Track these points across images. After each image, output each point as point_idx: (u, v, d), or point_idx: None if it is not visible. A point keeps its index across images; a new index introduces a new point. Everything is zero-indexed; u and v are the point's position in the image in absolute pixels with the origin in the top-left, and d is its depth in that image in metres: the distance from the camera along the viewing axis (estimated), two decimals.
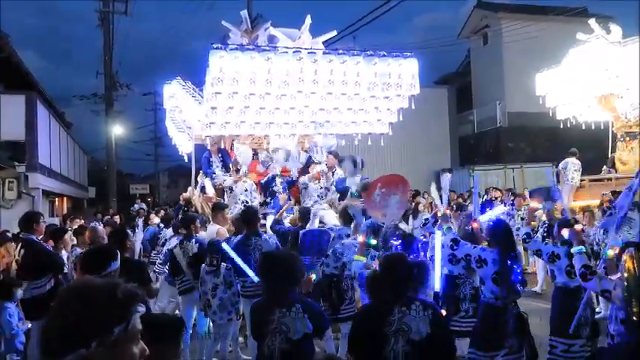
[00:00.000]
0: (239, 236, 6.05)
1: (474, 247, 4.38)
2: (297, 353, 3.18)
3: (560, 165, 12.30)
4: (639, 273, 3.22)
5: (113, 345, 1.26)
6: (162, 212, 12.22)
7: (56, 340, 1.24)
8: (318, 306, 3.54)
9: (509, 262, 4.15)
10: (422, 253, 5.93)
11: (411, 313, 2.98)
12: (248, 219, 5.99)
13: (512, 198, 11.50)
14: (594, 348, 4.43)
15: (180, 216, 8.53)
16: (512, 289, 4.19)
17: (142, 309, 1.33)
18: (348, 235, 5.80)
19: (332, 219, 7.27)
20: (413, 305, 3.01)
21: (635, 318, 3.23)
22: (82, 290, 1.30)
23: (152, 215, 11.45)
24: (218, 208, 7.17)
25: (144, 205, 16.74)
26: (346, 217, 6.13)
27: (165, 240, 7.62)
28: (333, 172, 8.59)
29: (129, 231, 5.72)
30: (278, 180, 8.40)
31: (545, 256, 4.54)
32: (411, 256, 5.40)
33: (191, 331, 6.12)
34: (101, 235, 6.40)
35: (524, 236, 4.77)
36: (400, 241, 5.59)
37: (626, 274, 3.33)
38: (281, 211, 7.37)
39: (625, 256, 3.38)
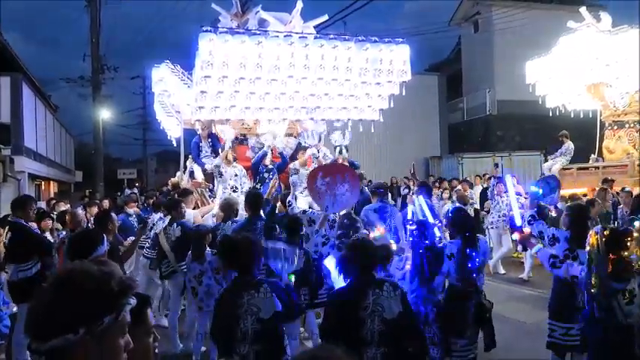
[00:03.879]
0: (241, 220, 5.98)
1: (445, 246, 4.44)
2: (270, 333, 3.25)
3: (568, 150, 12.23)
4: (601, 249, 3.49)
5: (100, 334, 1.24)
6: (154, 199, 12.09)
7: (43, 322, 1.22)
8: (284, 285, 3.57)
9: (467, 251, 4.19)
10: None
11: (383, 294, 3.14)
12: (253, 202, 5.85)
13: (496, 182, 11.53)
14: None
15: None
16: (469, 276, 4.21)
17: (132, 301, 1.32)
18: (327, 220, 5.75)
19: None
20: (384, 286, 3.18)
21: (593, 290, 3.51)
22: (76, 276, 1.28)
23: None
24: (188, 194, 7.25)
25: (136, 191, 16.58)
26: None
27: (153, 224, 7.58)
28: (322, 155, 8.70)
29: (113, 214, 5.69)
30: (268, 159, 8.27)
31: (547, 238, 4.57)
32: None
33: (179, 314, 6.14)
34: (81, 219, 6.38)
35: (530, 218, 4.81)
36: (416, 226, 5.55)
37: (588, 248, 3.62)
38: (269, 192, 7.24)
39: (591, 232, 3.65)
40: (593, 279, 3.54)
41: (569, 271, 4.11)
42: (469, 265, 4.17)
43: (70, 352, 1.22)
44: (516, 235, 4.90)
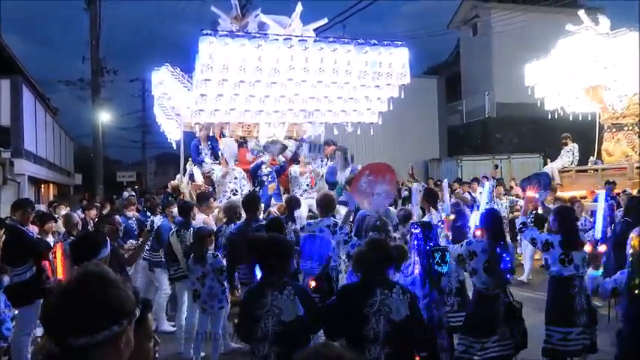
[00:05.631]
0: (238, 223, 5.98)
1: (462, 246, 4.45)
2: (291, 336, 3.21)
3: (566, 152, 12.27)
4: None
5: (114, 337, 1.30)
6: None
7: (61, 323, 1.27)
8: (309, 290, 3.55)
9: (497, 250, 4.20)
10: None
11: (392, 296, 3.22)
12: (249, 205, 5.86)
13: (495, 184, 11.52)
14: (593, 336, 4.49)
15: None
16: (501, 277, 4.23)
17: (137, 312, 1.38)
18: (328, 226, 5.55)
19: None
20: (394, 289, 3.26)
21: (636, 291, 3.55)
22: (102, 279, 1.33)
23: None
24: (203, 198, 7.15)
25: (134, 193, 16.54)
26: (324, 206, 5.87)
27: (152, 227, 7.57)
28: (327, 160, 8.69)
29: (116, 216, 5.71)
30: (265, 168, 8.24)
31: (540, 244, 4.58)
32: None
33: (185, 317, 6.15)
34: (76, 222, 6.39)
35: (520, 225, 4.80)
36: (419, 229, 5.49)
37: (631, 251, 3.70)
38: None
39: (633, 235, 3.73)
40: (636, 280, 3.58)
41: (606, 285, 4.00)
42: (501, 266, 4.20)
43: (104, 345, 1.28)
44: None
